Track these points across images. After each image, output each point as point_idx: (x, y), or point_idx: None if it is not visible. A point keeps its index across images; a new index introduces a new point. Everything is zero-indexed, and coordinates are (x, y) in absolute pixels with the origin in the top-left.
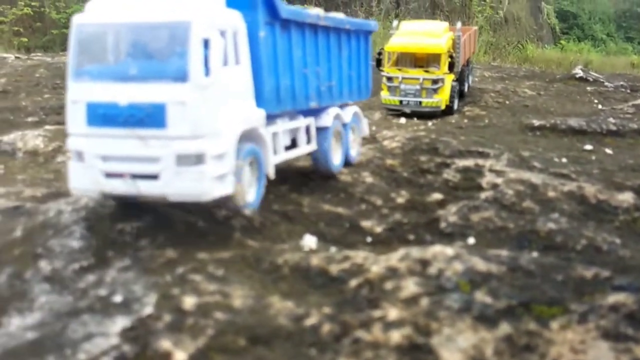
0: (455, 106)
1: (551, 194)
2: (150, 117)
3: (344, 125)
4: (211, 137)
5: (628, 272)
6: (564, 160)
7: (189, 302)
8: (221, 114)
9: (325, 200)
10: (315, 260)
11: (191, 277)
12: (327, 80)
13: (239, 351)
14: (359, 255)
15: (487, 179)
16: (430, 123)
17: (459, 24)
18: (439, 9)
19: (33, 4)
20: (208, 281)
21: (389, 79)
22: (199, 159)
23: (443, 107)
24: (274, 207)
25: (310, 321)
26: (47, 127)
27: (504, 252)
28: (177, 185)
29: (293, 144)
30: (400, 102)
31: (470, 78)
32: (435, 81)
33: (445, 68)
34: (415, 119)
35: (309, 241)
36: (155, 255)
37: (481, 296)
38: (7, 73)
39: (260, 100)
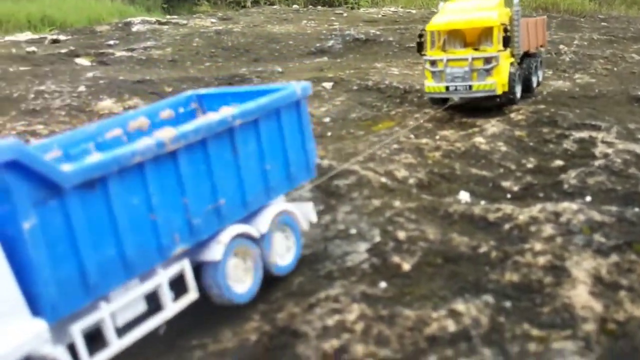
0: (519, 95)
1: None
2: None
3: (258, 239)
4: None
5: None
6: None
7: (401, 235)
8: None
9: (471, 164)
10: (476, 210)
11: (396, 219)
12: (209, 203)
13: (438, 266)
14: (508, 208)
15: (600, 149)
16: (545, 92)
17: (516, 0)
18: None
19: None
20: (408, 222)
21: (432, 63)
22: None
23: (500, 91)
24: (434, 170)
25: (482, 250)
26: None
27: (613, 208)
28: None
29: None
30: (447, 88)
31: (540, 73)
32: (487, 60)
33: (500, 45)
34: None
35: (464, 196)
36: (365, 204)
37: (598, 237)
38: (169, 43)
39: (41, 306)
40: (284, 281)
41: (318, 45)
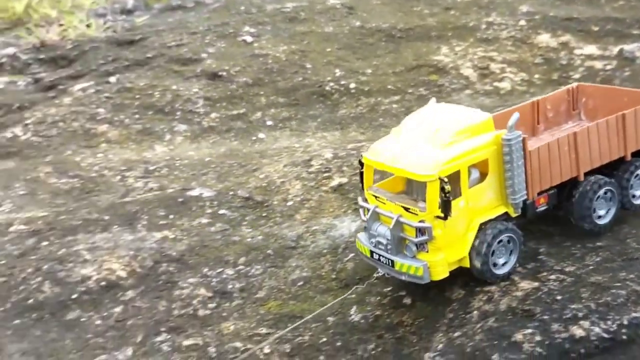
0: (502, 271)
1: None
2: None
3: None
4: None
5: None
6: None
7: None
8: None
9: None
10: None
11: None
12: None
13: None
14: None
15: None
16: None
17: (515, 116)
18: None
19: None
20: None
21: (365, 208)
22: None
23: (437, 276)
24: None
25: None
26: None
27: None
28: None
29: None
30: (371, 254)
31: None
32: (420, 230)
33: (436, 208)
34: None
35: None
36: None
37: None
38: None
39: None
40: None
41: None
